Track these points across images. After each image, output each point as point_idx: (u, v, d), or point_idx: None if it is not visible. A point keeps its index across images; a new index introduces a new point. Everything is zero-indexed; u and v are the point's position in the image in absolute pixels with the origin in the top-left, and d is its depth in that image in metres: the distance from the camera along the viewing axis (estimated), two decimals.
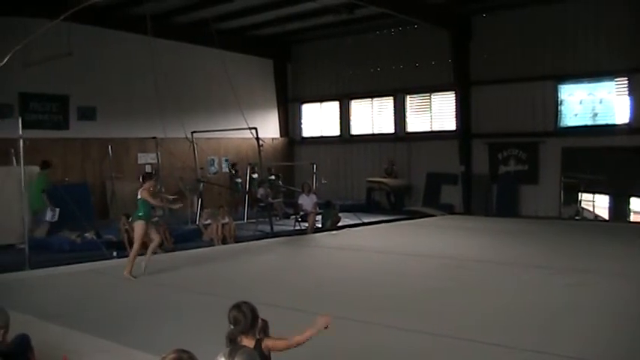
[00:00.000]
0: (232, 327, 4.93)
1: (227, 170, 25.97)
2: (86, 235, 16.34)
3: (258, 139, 20.05)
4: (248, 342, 4.86)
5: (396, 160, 26.36)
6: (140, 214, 12.60)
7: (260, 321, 4.98)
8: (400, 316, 9.08)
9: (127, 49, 22.86)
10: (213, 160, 26.60)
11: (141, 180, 13.23)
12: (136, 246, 12.62)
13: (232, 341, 4.86)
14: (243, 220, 21.15)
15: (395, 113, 27.17)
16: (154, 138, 21.99)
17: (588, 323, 8.67)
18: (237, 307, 4.94)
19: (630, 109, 21.25)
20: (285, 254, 16.00)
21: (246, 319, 4.86)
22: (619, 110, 21.59)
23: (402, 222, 21.85)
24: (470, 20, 24.31)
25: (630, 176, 21.00)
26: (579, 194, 22.36)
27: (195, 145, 21.43)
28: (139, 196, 12.66)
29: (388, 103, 27.52)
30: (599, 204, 22.08)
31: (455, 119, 24.87)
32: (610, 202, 21.80)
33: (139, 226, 12.59)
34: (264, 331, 5.01)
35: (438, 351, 7.61)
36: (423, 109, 26.60)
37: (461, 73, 24.28)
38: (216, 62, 20.00)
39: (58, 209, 17.08)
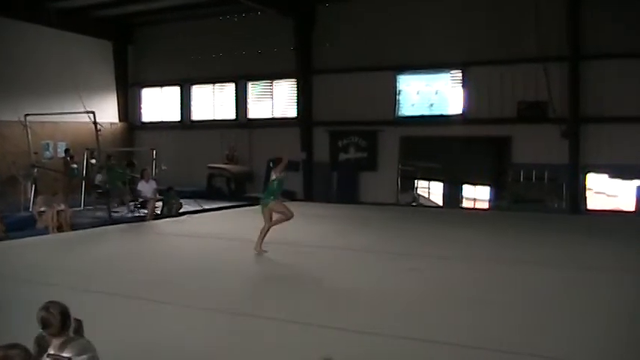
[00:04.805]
0: (41, 330, 4.54)
1: (63, 155, 24.97)
2: None
3: (95, 123, 19.41)
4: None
5: (238, 146, 26.33)
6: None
7: (73, 321, 4.63)
8: (242, 303, 9.09)
9: None
10: (48, 145, 25.42)
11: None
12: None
13: (41, 345, 4.49)
14: (81, 206, 20.50)
15: (236, 99, 27.15)
16: None
17: (427, 304, 8.99)
18: (45, 308, 4.56)
19: (464, 101, 22.23)
20: (124, 242, 15.62)
21: (56, 320, 4.48)
22: (453, 101, 22.54)
23: (243, 208, 21.81)
24: (314, 9, 24.58)
25: (463, 164, 22.10)
26: (416, 181, 23.21)
27: (28, 129, 20.50)
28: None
29: (230, 89, 27.44)
30: (434, 191, 23.00)
31: (296, 107, 25.11)
32: (444, 189, 22.76)
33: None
34: (78, 331, 4.66)
35: (279, 335, 7.64)
36: (265, 95, 26.69)
37: (303, 61, 24.53)
38: (53, 42, 19.36)
39: None
